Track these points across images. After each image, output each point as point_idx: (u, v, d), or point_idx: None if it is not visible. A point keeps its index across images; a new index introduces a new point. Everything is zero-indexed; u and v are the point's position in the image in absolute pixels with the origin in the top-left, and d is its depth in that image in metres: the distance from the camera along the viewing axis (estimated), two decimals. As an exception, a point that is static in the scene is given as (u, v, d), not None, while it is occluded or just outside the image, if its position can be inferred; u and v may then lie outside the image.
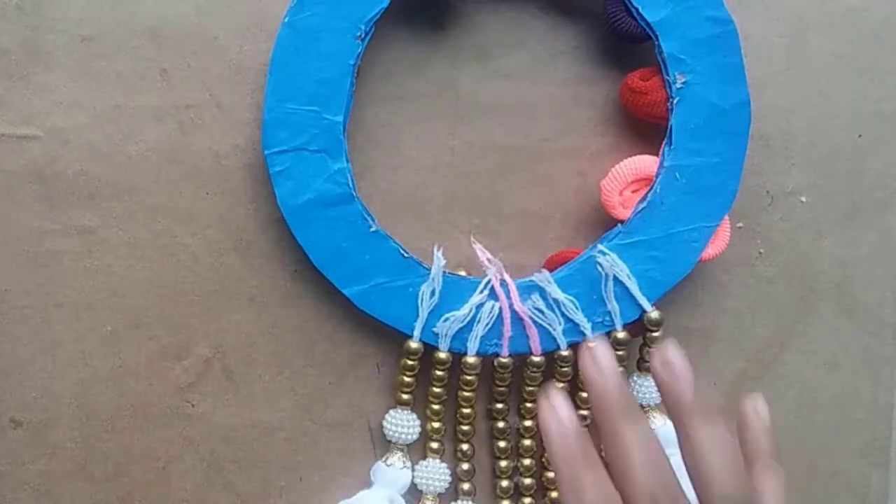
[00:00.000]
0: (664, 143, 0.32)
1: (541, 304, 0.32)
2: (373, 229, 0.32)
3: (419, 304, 0.32)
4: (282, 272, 0.34)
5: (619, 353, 0.32)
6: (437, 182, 0.35)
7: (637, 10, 0.32)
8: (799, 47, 0.36)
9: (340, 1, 0.31)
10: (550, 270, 0.33)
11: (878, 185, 0.36)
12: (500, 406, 0.34)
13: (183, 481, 0.34)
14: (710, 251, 0.33)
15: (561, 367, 0.33)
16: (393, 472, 0.33)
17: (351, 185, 0.32)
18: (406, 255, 0.32)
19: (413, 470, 0.34)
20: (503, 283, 0.32)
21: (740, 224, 0.35)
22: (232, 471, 0.34)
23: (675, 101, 0.32)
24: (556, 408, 0.25)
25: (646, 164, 0.33)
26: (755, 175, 0.35)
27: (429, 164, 0.35)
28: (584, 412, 0.33)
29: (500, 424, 0.34)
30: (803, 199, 0.36)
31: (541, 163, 0.35)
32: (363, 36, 0.31)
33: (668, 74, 0.32)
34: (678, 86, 0.32)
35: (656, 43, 0.32)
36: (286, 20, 0.31)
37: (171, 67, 0.34)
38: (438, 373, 0.32)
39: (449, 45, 0.35)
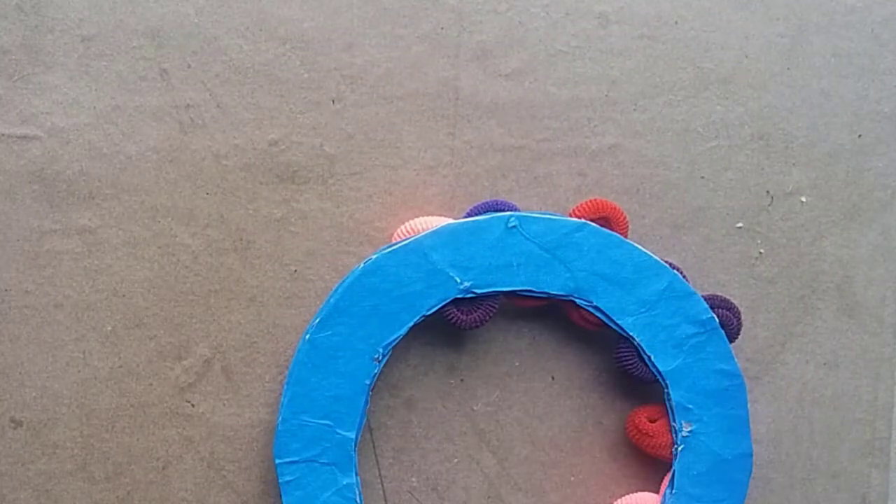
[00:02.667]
0: (667, 486, 0.33)
1: None
2: None
3: None
4: (282, 272, 0.34)
5: None
6: (437, 182, 0.35)
7: (649, 357, 0.33)
8: (799, 47, 0.36)
9: (360, 324, 0.32)
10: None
11: (879, 185, 0.36)
12: None
13: (183, 481, 0.34)
14: None
15: None
16: None
17: (359, 501, 0.32)
18: None
19: None
20: None
21: (740, 224, 0.35)
22: (232, 471, 0.34)
23: (679, 448, 0.33)
24: None
25: (647, 502, 0.33)
26: (755, 175, 0.35)
27: (429, 164, 0.35)
28: None
29: None
30: (803, 199, 0.36)
31: (541, 163, 0.35)
32: (380, 358, 0.32)
33: (674, 421, 0.33)
34: (684, 434, 0.33)
35: (666, 390, 0.33)
36: (307, 337, 0.32)
37: (171, 67, 0.34)
38: None
39: (449, 45, 0.35)
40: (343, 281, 0.32)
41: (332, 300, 0.32)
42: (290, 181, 0.34)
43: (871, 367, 0.36)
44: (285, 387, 0.32)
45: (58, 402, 0.34)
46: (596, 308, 0.32)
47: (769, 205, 0.36)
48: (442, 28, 0.35)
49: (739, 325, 0.34)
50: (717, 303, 0.33)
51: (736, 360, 0.33)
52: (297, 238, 0.34)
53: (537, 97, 0.35)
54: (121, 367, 0.34)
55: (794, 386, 0.36)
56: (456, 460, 0.35)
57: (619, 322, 0.32)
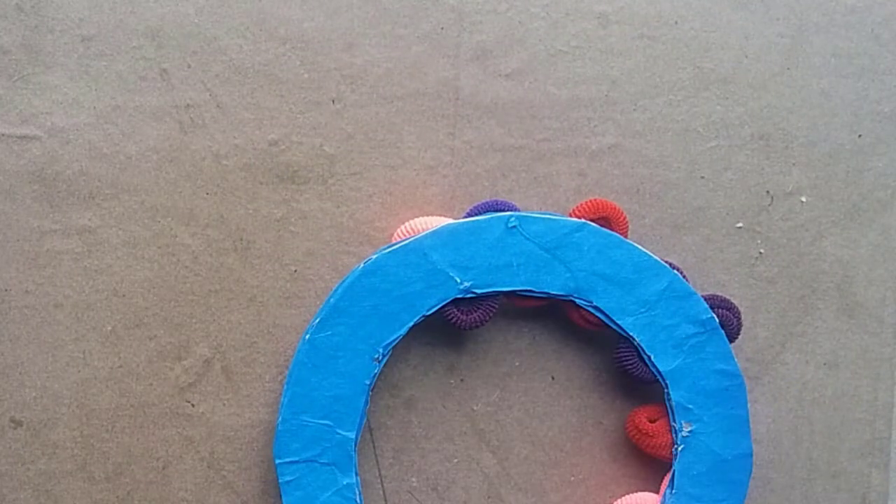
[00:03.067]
0: (667, 486, 0.33)
1: None
2: None
3: None
4: (282, 272, 0.34)
5: None
6: (437, 182, 0.35)
7: (649, 357, 0.33)
8: (799, 47, 0.36)
9: (360, 324, 0.32)
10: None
11: (878, 185, 0.36)
12: None
13: (183, 481, 0.34)
14: None
15: None
16: None
17: (359, 501, 0.32)
18: None
19: None
20: None
21: (740, 224, 0.35)
22: (232, 471, 0.34)
23: (679, 448, 0.33)
24: None
25: (647, 502, 0.33)
26: (755, 175, 0.35)
27: (429, 164, 0.35)
28: None
29: None
30: (803, 199, 0.36)
31: (541, 163, 0.35)
32: (380, 358, 0.32)
33: (674, 421, 0.33)
34: (684, 434, 0.33)
35: (666, 390, 0.33)
36: (307, 337, 0.32)
37: (171, 67, 0.34)
38: None
39: (449, 45, 0.35)
40: (343, 281, 0.32)
41: (332, 300, 0.32)
42: (290, 181, 0.34)
43: (871, 367, 0.36)
44: (285, 387, 0.32)
45: (58, 402, 0.34)
46: (596, 308, 0.32)
47: (769, 205, 0.36)
48: (442, 28, 0.35)
49: (739, 325, 0.34)
50: (717, 303, 0.33)
51: (736, 360, 0.33)
52: (297, 238, 0.34)
53: (537, 97, 0.35)
54: (121, 367, 0.34)
55: (794, 386, 0.36)
56: (456, 460, 0.35)
57: (619, 322, 0.32)
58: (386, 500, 0.35)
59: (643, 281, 0.32)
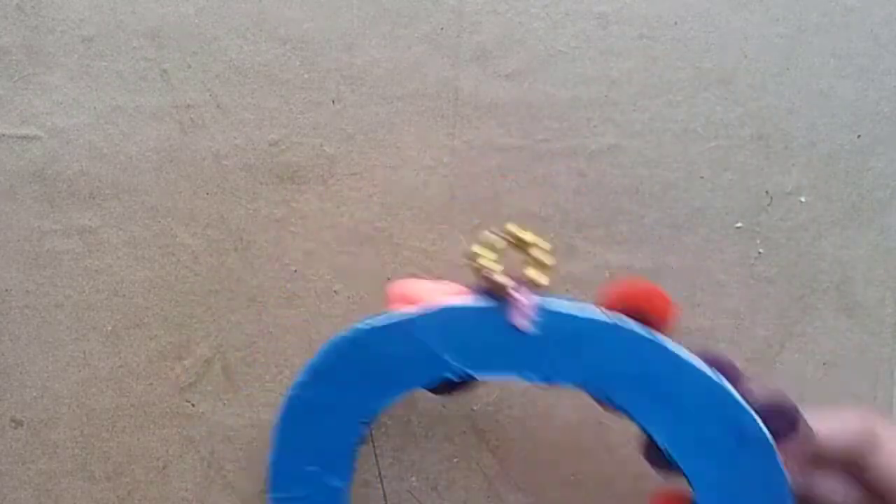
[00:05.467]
0: None
1: None
2: None
3: None
4: (282, 272, 0.34)
5: None
6: (437, 182, 0.35)
7: (677, 464, 0.28)
8: (798, 47, 0.36)
9: (347, 389, 0.29)
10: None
11: (878, 185, 0.36)
12: None
13: (183, 481, 0.34)
14: None
15: None
16: None
17: None
18: None
19: None
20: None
21: (740, 224, 0.35)
22: (232, 471, 0.34)
23: None
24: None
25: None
26: (755, 175, 0.35)
27: (429, 164, 0.35)
28: None
29: None
30: (803, 199, 0.36)
31: (541, 163, 0.35)
32: (368, 422, 0.29)
33: None
34: None
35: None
36: (291, 395, 0.29)
37: (172, 67, 0.34)
38: None
39: (449, 46, 0.35)
40: (328, 345, 0.29)
41: (315, 362, 0.29)
42: (290, 181, 0.34)
43: (871, 367, 0.36)
44: (273, 441, 0.30)
45: (58, 402, 0.34)
46: (613, 402, 0.28)
47: (768, 205, 0.36)
48: (442, 28, 0.35)
49: (793, 425, 0.29)
50: (774, 409, 0.29)
51: (786, 475, 0.28)
52: (297, 238, 0.34)
53: (537, 97, 0.35)
54: (121, 366, 0.34)
55: (794, 386, 0.36)
56: (456, 460, 0.35)
57: (648, 429, 0.28)
58: (386, 500, 0.35)
59: (677, 391, 0.28)
